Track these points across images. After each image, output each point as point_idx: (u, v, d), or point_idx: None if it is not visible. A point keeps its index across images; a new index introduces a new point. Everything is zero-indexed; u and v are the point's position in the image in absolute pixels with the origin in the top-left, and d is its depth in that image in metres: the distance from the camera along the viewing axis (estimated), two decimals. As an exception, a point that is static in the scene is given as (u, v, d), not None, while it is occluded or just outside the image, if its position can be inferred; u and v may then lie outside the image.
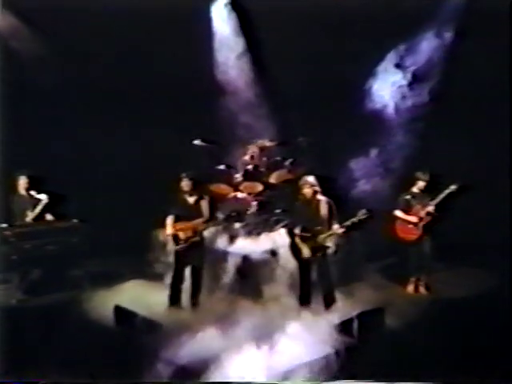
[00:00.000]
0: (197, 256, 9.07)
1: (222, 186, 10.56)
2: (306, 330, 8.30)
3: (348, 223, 8.89)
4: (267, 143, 10.79)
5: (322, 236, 8.90)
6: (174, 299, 9.05)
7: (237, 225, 10.19)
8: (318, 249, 8.94)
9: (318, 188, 8.98)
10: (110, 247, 10.35)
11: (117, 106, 10.65)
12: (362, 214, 8.90)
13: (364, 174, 10.90)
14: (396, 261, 10.59)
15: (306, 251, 8.92)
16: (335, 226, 8.93)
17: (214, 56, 10.97)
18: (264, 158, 10.77)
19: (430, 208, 9.77)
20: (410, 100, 10.88)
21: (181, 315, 8.97)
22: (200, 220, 8.95)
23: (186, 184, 8.84)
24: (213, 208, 9.13)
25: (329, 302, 9.07)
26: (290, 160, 10.62)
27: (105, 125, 10.76)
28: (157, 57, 10.47)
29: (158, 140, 10.76)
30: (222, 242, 9.88)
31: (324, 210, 8.89)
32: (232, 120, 10.85)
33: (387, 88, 11.00)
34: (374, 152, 10.95)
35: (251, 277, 9.62)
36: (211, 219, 9.05)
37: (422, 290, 9.93)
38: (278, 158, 10.73)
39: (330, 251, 8.96)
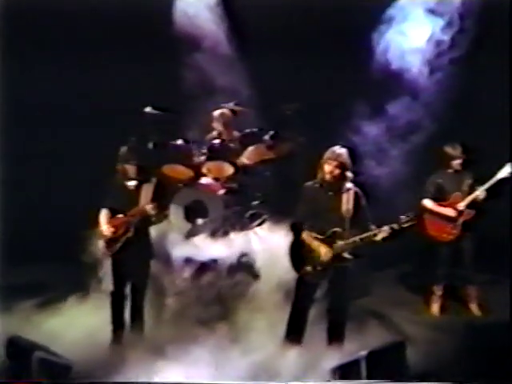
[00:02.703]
0: (138, 263, 7.06)
1: (178, 167, 8.48)
2: (295, 377, 6.19)
3: (387, 230, 6.40)
4: (238, 108, 8.74)
5: (342, 242, 6.50)
6: (118, 323, 7.12)
7: (199, 221, 8.29)
8: (333, 260, 6.55)
9: (349, 171, 6.57)
10: (30, 250, 8.53)
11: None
12: (405, 220, 6.40)
13: (374, 152, 8.76)
14: (415, 268, 8.82)
15: (324, 251, 6.45)
16: (374, 230, 6.46)
17: (181, 7, 9.41)
18: (236, 132, 8.72)
19: (480, 194, 7.67)
20: (447, 56, 8.71)
21: (107, 349, 6.94)
22: (140, 207, 6.94)
23: (129, 168, 6.98)
24: (160, 195, 7.00)
25: (335, 339, 6.68)
26: (271, 133, 8.55)
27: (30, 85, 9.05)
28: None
29: (102, 106, 9.12)
30: (174, 244, 7.95)
31: (350, 204, 6.54)
32: (198, 82, 9.18)
33: (414, 40, 8.86)
34: (387, 123, 8.72)
35: (214, 294, 7.59)
36: (156, 206, 6.90)
37: (473, 308, 7.95)
38: (254, 130, 8.69)
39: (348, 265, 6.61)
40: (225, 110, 8.63)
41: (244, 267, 7.69)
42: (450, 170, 7.85)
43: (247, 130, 8.69)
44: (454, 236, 7.75)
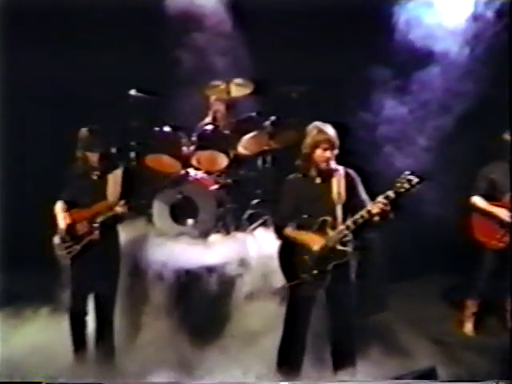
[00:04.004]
0: (103, 270, 6.13)
1: (163, 158, 7.65)
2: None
3: (382, 201, 5.35)
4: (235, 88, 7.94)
5: (334, 232, 5.49)
6: (78, 342, 6.20)
7: (187, 221, 7.37)
8: (327, 257, 5.49)
9: (335, 149, 5.64)
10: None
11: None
12: (404, 181, 5.30)
13: (396, 137, 7.67)
14: (450, 278, 7.90)
15: (316, 241, 5.52)
16: (369, 206, 5.40)
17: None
18: (233, 119, 7.94)
19: None
20: (489, 32, 7.56)
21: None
22: (107, 202, 6.11)
23: (90, 156, 6.16)
24: (129, 187, 6.16)
25: (342, 362, 5.59)
26: (272, 118, 7.73)
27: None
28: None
29: (89, 91, 8.35)
30: (156, 249, 6.91)
31: (340, 186, 5.57)
32: (195, 64, 8.33)
33: (447, 16, 7.71)
34: (412, 101, 7.64)
35: (200, 309, 6.62)
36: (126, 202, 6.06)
37: None
38: (252, 114, 7.90)
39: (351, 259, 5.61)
40: (223, 94, 7.95)
41: (239, 277, 6.73)
42: (506, 164, 6.89)
43: (244, 115, 7.91)
44: (506, 244, 6.83)
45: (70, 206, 6.15)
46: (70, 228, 6.06)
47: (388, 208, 5.28)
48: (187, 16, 8.51)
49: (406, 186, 5.26)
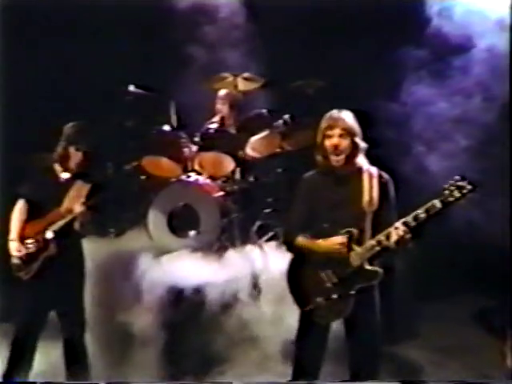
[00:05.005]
0: (66, 290, 5.54)
1: (161, 160, 7.24)
2: None
3: (401, 228, 4.59)
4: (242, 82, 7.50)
5: (361, 250, 4.76)
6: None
7: (187, 233, 6.91)
8: (351, 278, 4.79)
9: (361, 142, 4.92)
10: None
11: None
12: (453, 188, 4.53)
13: (429, 135, 7.10)
14: (491, 299, 7.19)
15: (354, 252, 4.78)
16: (397, 224, 4.63)
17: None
18: (240, 117, 7.58)
19: None
20: None
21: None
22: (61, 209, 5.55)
23: (73, 154, 5.58)
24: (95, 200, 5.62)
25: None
26: (285, 116, 7.27)
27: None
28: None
29: (91, 88, 7.98)
30: (148, 265, 6.34)
31: (373, 190, 4.87)
32: (204, 59, 8.15)
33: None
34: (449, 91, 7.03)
35: (199, 335, 6.02)
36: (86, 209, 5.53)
37: None
38: (263, 112, 7.47)
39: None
40: (230, 88, 7.59)
41: (244, 299, 6.16)
42: None
43: (253, 113, 7.45)
44: None
45: (30, 207, 5.50)
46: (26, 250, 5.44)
47: (407, 236, 4.58)
48: (199, 9, 8.22)
49: (456, 194, 4.50)
